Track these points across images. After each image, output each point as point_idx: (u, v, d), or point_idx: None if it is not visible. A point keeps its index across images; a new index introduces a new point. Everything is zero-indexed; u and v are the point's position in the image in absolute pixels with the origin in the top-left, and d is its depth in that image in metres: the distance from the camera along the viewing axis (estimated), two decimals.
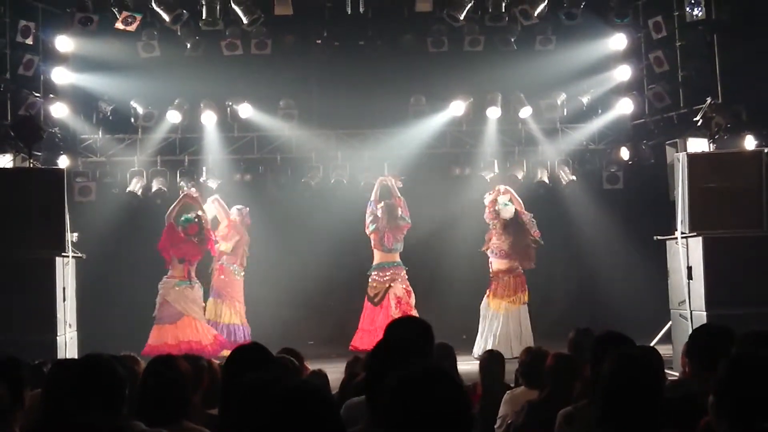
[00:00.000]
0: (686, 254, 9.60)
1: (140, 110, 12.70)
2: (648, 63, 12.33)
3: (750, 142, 10.39)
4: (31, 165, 10.04)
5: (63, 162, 11.83)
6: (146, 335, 11.34)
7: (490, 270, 11.69)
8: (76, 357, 8.61)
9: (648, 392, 3.16)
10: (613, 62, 12.92)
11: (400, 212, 11.76)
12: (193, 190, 12.00)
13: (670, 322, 10.32)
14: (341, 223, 12.96)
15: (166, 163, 12.92)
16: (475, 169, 13.12)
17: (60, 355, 9.15)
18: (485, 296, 11.64)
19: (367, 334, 11.35)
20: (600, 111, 13.20)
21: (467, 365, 7.09)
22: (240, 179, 12.96)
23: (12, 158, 10.72)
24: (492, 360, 6.22)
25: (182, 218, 11.42)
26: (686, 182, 9.58)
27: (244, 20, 12.30)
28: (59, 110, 12.02)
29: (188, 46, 12.66)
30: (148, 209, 12.49)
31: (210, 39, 12.62)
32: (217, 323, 11.66)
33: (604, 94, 13.16)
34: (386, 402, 2.43)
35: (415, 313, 11.25)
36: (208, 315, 11.68)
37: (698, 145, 10.33)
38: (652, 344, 10.07)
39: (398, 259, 11.91)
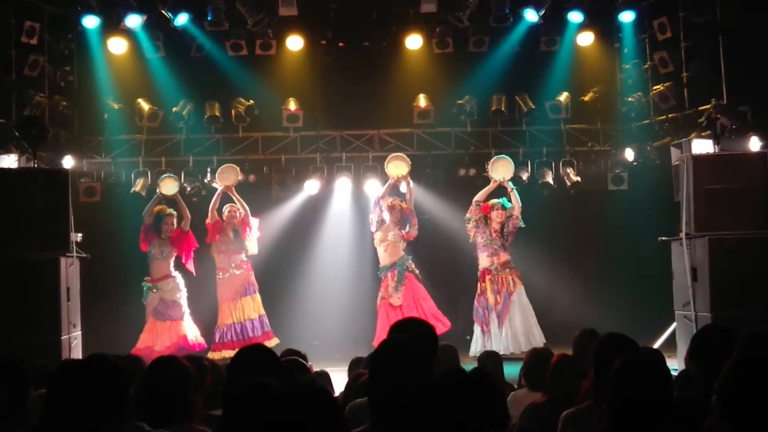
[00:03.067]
0: (691, 255, 9.58)
1: (145, 111, 12.72)
2: (653, 64, 12.31)
3: (755, 143, 10.35)
4: (36, 165, 10.06)
5: (68, 162, 11.83)
6: None
7: (499, 261, 11.54)
8: (80, 357, 8.61)
9: (655, 396, 3.16)
10: (619, 62, 12.96)
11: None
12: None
13: (674, 324, 10.30)
14: (345, 223, 12.95)
15: (170, 163, 12.93)
16: (480, 171, 13.11)
17: (64, 355, 9.15)
18: (521, 287, 11.50)
19: None
20: (605, 111, 13.20)
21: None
22: (244, 180, 12.96)
23: (17, 158, 10.73)
24: (490, 361, 6.22)
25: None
26: (691, 183, 9.55)
27: (249, 21, 12.32)
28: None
29: (193, 46, 12.68)
30: None
31: (215, 40, 12.64)
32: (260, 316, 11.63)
33: (609, 95, 13.17)
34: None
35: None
36: (257, 312, 11.62)
37: (703, 146, 10.30)
38: (655, 346, 10.07)
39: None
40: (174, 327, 11.20)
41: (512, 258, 11.65)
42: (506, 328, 11.24)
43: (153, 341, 11.02)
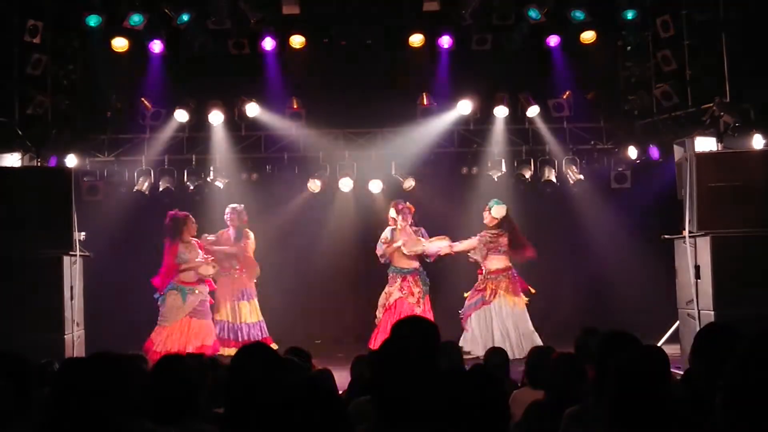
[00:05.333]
0: (694, 253, 9.59)
1: (148, 109, 12.72)
2: (656, 62, 12.30)
3: (758, 141, 10.37)
4: (39, 164, 10.08)
5: (70, 161, 11.84)
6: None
7: (487, 269, 11.58)
8: (83, 356, 8.62)
9: (656, 391, 3.16)
10: (621, 60, 12.96)
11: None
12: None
13: (677, 322, 10.31)
14: (348, 222, 12.96)
15: (173, 162, 12.94)
16: (483, 169, 13.12)
17: (67, 353, 9.19)
18: (497, 294, 11.47)
19: None
20: (607, 110, 13.19)
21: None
22: (247, 178, 12.98)
23: (20, 157, 10.75)
24: (495, 358, 6.22)
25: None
26: (694, 181, 9.57)
27: (252, 19, 12.32)
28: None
29: (196, 45, 12.67)
30: (155, 208, 12.51)
31: (217, 38, 12.63)
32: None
33: (612, 93, 13.15)
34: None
35: None
36: (256, 317, 11.59)
37: (706, 144, 10.31)
38: (659, 344, 10.08)
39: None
40: (211, 326, 11.17)
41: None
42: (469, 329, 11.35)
43: (202, 341, 10.83)
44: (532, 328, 11.44)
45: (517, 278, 11.62)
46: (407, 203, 11.73)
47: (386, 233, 11.72)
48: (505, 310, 11.38)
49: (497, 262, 11.55)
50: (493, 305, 11.39)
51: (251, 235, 11.75)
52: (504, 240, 11.55)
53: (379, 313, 11.59)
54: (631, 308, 12.13)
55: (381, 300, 11.68)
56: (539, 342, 11.14)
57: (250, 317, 11.52)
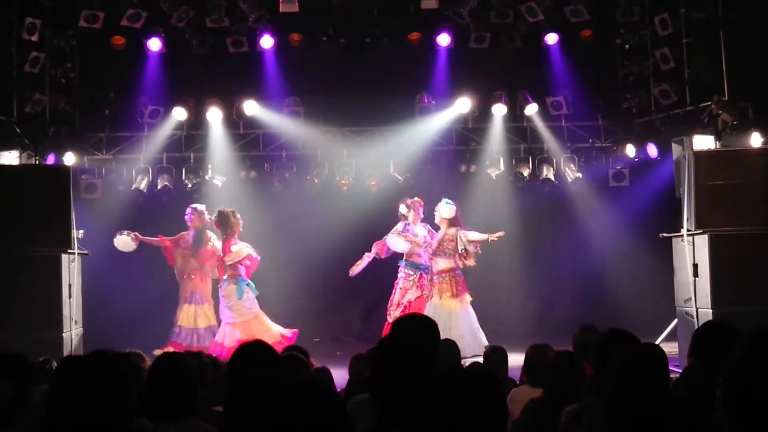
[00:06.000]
0: (692, 252, 9.60)
1: (146, 107, 12.71)
2: (654, 60, 12.31)
3: (756, 140, 10.38)
4: (37, 162, 10.07)
5: (69, 159, 11.83)
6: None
7: (435, 269, 11.41)
8: (81, 354, 8.62)
9: (653, 389, 3.16)
10: (620, 59, 12.96)
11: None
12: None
13: (675, 320, 10.32)
14: (347, 220, 12.95)
15: (171, 160, 12.93)
16: (481, 167, 13.11)
17: (65, 351, 9.19)
18: (436, 297, 11.26)
19: None
20: (606, 108, 13.20)
21: None
22: (245, 176, 12.98)
23: (18, 155, 10.74)
24: (495, 356, 6.22)
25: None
26: (692, 180, 9.57)
27: (250, 17, 12.31)
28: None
29: (194, 43, 12.67)
30: (153, 206, 12.51)
31: (216, 36, 12.63)
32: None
33: (610, 91, 13.16)
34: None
35: None
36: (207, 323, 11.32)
37: (704, 142, 10.32)
38: (657, 342, 10.08)
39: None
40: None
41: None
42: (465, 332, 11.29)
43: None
44: (476, 326, 11.26)
45: (461, 280, 11.42)
46: (415, 198, 11.65)
47: (398, 229, 11.57)
48: (447, 311, 11.22)
49: (443, 263, 11.37)
50: (432, 303, 11.24)
51: (212, 236, 11.35)
52: (452, 245, 11.35)
53: (394, 311, 11.25)
54: (629, 306, 12.15)
55: (396, 297, 11.37)
56: (484, 341, 11.00)
57: (201, 323, 11.22)
